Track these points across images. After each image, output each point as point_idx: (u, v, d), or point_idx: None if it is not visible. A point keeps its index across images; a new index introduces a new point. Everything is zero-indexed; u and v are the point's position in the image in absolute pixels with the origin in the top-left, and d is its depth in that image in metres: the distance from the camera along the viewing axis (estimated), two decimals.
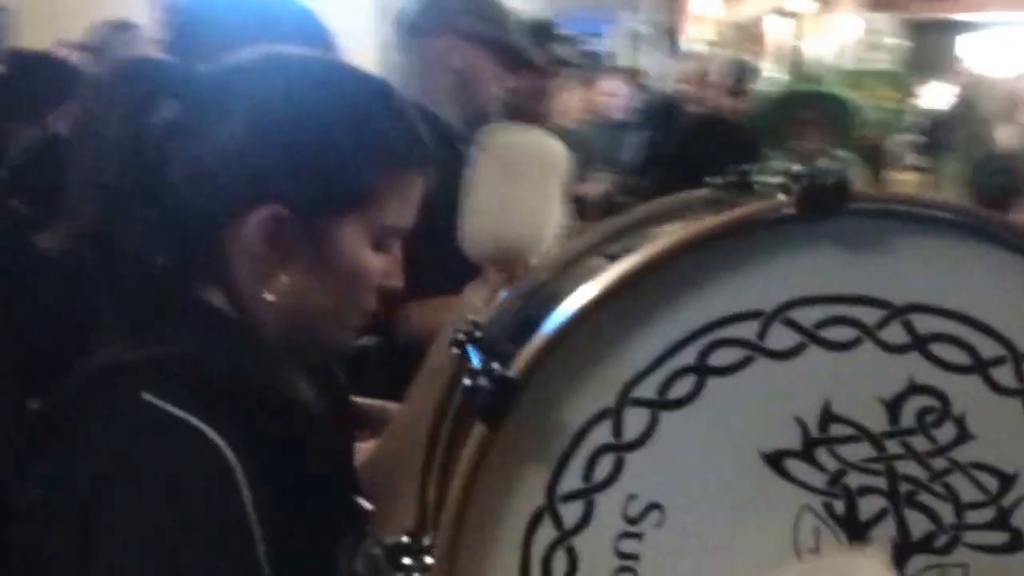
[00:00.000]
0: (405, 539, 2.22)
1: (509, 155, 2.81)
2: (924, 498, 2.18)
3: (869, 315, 2.14)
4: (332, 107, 2.14)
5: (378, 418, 3.24)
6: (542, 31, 5.88)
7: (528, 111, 5.81)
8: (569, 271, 2.61)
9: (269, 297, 2.10)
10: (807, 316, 2.13)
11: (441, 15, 4.17)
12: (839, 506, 2.17)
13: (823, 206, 2.10)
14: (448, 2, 4.18)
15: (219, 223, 2.09)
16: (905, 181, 11.31)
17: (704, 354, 2.12)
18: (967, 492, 2.18)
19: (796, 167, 2.16)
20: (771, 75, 14.30)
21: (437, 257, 3.82)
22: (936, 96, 12.33)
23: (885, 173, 10.40)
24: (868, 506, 2.17)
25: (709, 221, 2.14)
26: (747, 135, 9.13)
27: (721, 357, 2.12)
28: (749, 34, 17.30)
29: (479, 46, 4.12)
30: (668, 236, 2.15)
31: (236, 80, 2.12)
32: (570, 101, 10.85)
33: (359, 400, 3.37)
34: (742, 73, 9.77)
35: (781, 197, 2.15)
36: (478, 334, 2.49)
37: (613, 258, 2.33)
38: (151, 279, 2.08)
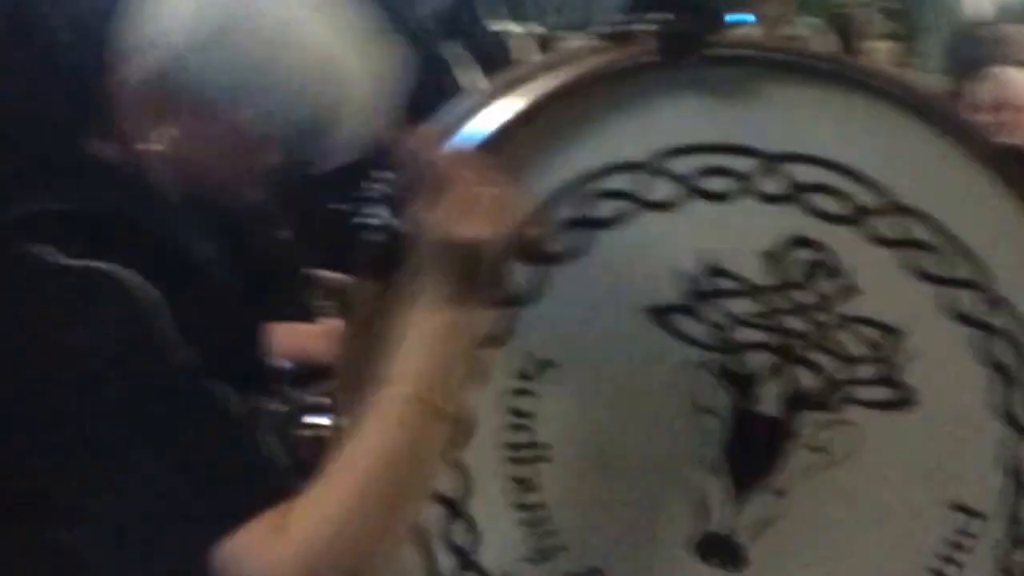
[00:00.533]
0: (316, 399, 2.23)
1: None
2: (810, 353, 2.21)
3: (745, 164, 2.16)
4: None
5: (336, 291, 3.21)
6: None
7: None
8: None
9: (156, 147, 2.09)
10: (684, 165, 2.15)
11: None
12: (728, 361, 2.20)
13: (680, 51, 2.12)
14: None
15: (102, 74, 2.09)
16: (879, 49, 11.20)
17: (587, 206, 2.13)
18: (853, 347, 2.21)
19: (668, 16, 2.16)
20: None
21: None
22: None
23: (858, 41, 10.32)
24: (754, 361, 2.20)
25: (570, 71, 2.16)
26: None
27: (604, 209, 2.14)
28: None
29: None
30: (533, 89, 2.16)
31: None
32: None
33: (324, 273, 3.35)
34: None
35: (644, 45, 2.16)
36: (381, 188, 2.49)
37: None
38: (42, 132, 2.11)
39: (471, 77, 4.30)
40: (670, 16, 2.16)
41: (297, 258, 3.24)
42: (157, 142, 2.09)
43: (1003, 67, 6.32)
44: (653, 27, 2.17)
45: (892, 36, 11.64)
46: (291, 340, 2.60)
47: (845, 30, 9.90)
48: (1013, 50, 7.86)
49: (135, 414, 1.90)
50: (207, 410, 1.94)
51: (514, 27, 5.59)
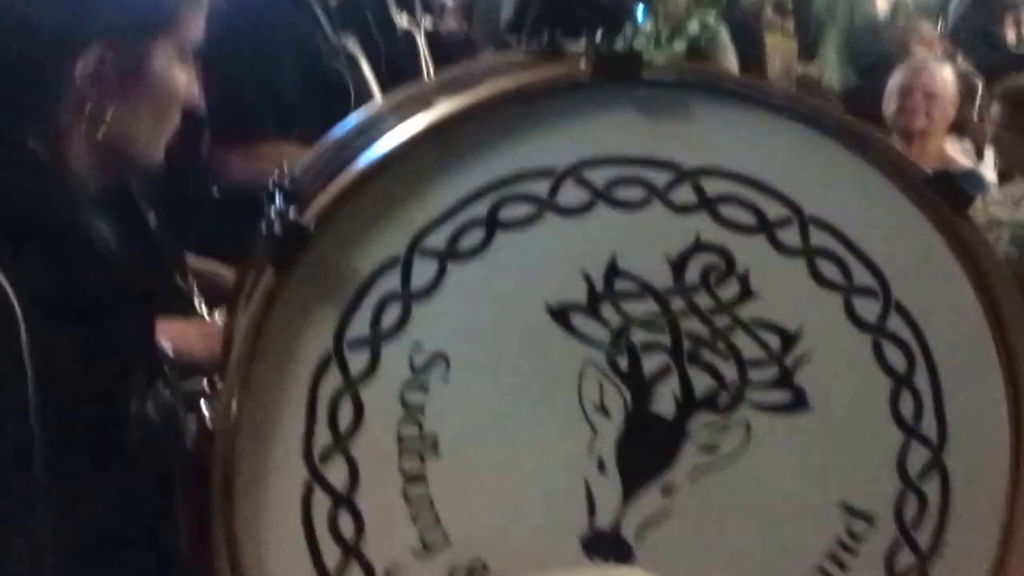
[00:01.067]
0: (204, 384, 2.24)
1: None
2: (707, 355, 2.21)
3: (659, 177, 2.16)
4: None
5: (207, 276, 3.23)
6: None
7: None
8: (388, 120, 2.59)
9: (100, 134, 2.11)
10: (599, 175, 2.15)
11: None
12: (623, 362, 2.19)
13: (615, 75, 2.13)
14: None
15: (46, 73, 2.11)
16: (777, 45, 11.26)
17: (495, 208, 2.13)
18: (750, 350, 2.22)
19: (597, 39, 2.26)
20: None
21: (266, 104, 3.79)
22: None
23: (760, 37, 10.37)
24: (652, 362, 2.20)
25: (507, 82, 2.17)
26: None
27: (512, 212, 2.14)
28: None
29: None
30: (468, 94, 2.16)
31: None
32: None
33: (195, 260, 3.35)
34: None
35: (580, 65, 2.17)
36: (286, 181, 2.51)
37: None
38: None
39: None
40: (600, 37, 2.27)
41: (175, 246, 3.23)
42: (99, 126, 2.10)
43: (915, 55, 6.40)
44: (584, 48, 2.18)
45: (791, 32, 11.68)
46: (173, 335, 2.58)
47: (750, 26, 9.88)
48: (917, 44, 7.90)
49: None
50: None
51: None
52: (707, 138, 2.18)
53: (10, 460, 1.93)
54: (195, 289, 3.05)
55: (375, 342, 2.14)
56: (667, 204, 2.16)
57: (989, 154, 6.61)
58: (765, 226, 2.18)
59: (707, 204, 2.17)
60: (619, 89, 2.14)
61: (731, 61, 8.31)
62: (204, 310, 3.08)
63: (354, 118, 2.76)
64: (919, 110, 6.06)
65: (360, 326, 2.13)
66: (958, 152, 6.28)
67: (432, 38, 5.72)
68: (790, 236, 2.19)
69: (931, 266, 2.23)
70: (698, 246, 2.18)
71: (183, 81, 2.21)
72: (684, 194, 2.17)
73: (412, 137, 2.10)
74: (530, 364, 2.18)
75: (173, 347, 2.36)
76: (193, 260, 3.25)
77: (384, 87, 4.40)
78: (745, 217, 2.18)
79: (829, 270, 2.21)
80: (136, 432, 2.07)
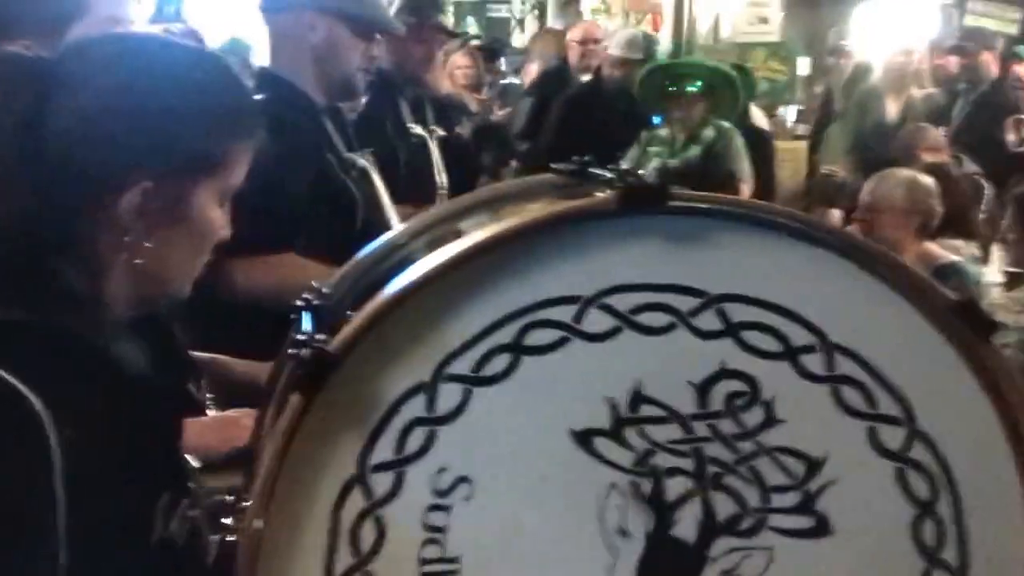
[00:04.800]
0: (228, 499, 2.21)
1: None
2: (730, 480, 2.16)
3: (684, 303, 2.13)
4: (183, 87, 2.20)
5: (216, 371, 3.23)
6: (428, 3, 5.95)
7: (416, 77, 5.85)
8: (418, 240, 2.63)
9: (138, 262, 2.14)
10: (624, 302, 2.12)
11: None
12: (646, 486, 2.15)
13: (641, 204, 2.11)
14: None
15: (90, 205, 2.14)
16: (788, 149, 11.35)
17: (521, 334, 2.10)
18: (773, 476, 2.17)
19: (626, 166, 2.27)
20: (660, 44, 14.32)
21: (273, 216, 3.80)
22: (828, 68, 12.36)
23: (771, 142, 10.44)
24: (675, 487, 2.16)
25: (536, 212, 2.17)
26: (629, 105, 9.15)
27: (537, 337, 2.11)
28: (638, 3, 17.28)
29: (336, 20, 4.11)
30: (495, 225, 2.16)
31: (87, 70, 2.16)
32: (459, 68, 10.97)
33: (196, 354, 3.35)
34: (631, 42, 9.69)
35: (606, 193, 2.15)
36: (316, 300, 2.49)
37: (459, 234, 2.33)
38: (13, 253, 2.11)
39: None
40: (629, 168, 2.15)
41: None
42: (137, 257, 2.14)
43: (889, 170, 6.38)
44: (612, 176, 2.17)
45: (803, 137, 11.76)
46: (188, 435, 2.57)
47: (761, 133, 9.97)
48: (924, 149, 7.93)
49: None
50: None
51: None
52: (731, 264, 2.15)
53: None
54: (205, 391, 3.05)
55: (399, 466, 2.10)
56: (692, 330, 2.13)
57: (995, 257, 6.59)
58: (790, 353, 2.14)
59: (732, 330, 2.14)
60: (645, 218, 2.12)
61: (745, 167, 8.30)
62: (213, 408, 3.08)
63: (385, 238, 2.74)
64: (859, 223, 6.05)
65: (385, 450, 2.10)
66: (950, 250, 6.23)
67: (444, 143, 5.84)
68: (815, 363, 2.15)
69: (955, 394, 2.19)
70: (723, 372, 2.14)
71: (220, 221, 2.23)
72: (709, 320, 2.13)
73: (440, 267, 2.08)
74: (553, 488, 2.14)
75: (190, 445, 2.35)
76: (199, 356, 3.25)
77: (402, 190, 4.45)
78: (770, 343, 2.14)
79: (853, 398, 2.17)
80: (160, 553, 2.07)
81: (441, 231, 2.45)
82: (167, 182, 2.14)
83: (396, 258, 2.53)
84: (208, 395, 3.02)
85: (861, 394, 2.17)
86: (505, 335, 2.10)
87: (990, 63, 10.53)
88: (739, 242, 2.15)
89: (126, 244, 2.13)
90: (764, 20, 12.51)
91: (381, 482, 2.11)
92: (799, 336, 2.15)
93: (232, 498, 2.19)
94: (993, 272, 6.64)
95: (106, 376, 2.05)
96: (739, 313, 2.14)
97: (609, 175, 2.35)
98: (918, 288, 2.19)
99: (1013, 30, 13.18)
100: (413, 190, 5.01)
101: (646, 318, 2.13)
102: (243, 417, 3.08)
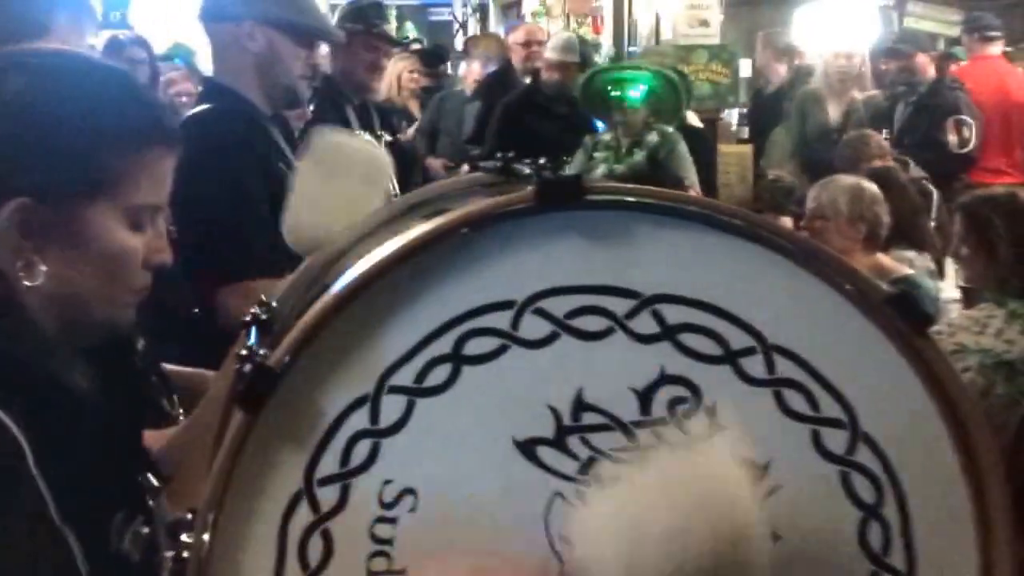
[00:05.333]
0: (187, 516, 2.18)
1: (333, 156, 2.81)
2: None
3: (619, 305, 2.11)
4: (65, 100, 2.16)
5: (195, 384, 3.23)
6: (373, 12, 5.97)
7: (362, 84, 5.86)
8: (359, 249, 2.58)
9: (28, 283, 2.10)
10: (558, 306, 2.10)
11: (238, 1, 4.16)
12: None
13: (558, 199, 2.09)
14: None
15: None
16: (734, 153, 11.36)
17: (459, 343, 2.09)
18: None
19: (542, 161, 2.22)
20: (602, 47, 14.35)
21: (254, 241, 3.80)
22: (770, 69, 12.37)
23: (715, 146, 10.45)
24: None
25: (452, 214, 2.12)
26: (570, 108, 9.17)
27: (476, 346, 2.09)
28: (579, 6, 17.30)
29: (275, 29, 4.11)
30: (415, 228, 2.12)
31: None
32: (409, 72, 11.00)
33: (175, 368, 3.34)
34: (566, 45, 9.67)
35: (524, 190, 2.12)
36: (264, 315, 2.49)
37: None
38: None
39: None
40: (544, 160, 2.19)
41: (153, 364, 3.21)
42: (29, 279, 2.11)
43: (833, 177, 6.35)
44: (529, 171, 2.14)
45: (746, 140, 11.79)
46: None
47: (704, 136, 10.00)
48: (867, 152, 7.95)
49: None
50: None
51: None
52: (660, 262, 2.12)
53: None
54: (178, 407, 3.04)
55: (345, 479, 2.09)
56: (629, 333, 2.11)
57: (950, 271, 6.51)
58: (729, 356, 2.13)
59: (669, 333, 2.12)
60: (564, 213, 2.10)
61: (690, 171, 8.32)
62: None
63: (331, 246, 2.73)
64: (805, 232, 6.00)
65: (330, 464, 2.09)
66: (903, 262, 6.21)
67: (392, 148, 5.86)
68: (755, 366, 2.14)
69: (896, 393, 2.17)
70: (664, 378, 2.13)
71: (134, 246, 2.18)
72: (645, 323, 2.12)
73: (366, 274, 2.07)
74: (498, 497, 2.13)
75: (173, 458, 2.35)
76: (173, 369, 3.25)
77: None
78: (708, 346, 2.13)
79: (796, 401, 2.15)
80: (116, 569, 2.07)
81: (379, 236, 2.44)
82: (50, 200, 2.11)
83: (340, 267, 2.50)
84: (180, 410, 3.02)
85: (803, 397, 2.16)
86: (444, 344, 2.09)
87: (926, 65, 10.57)
88: (665, 237, 2.12)
89: (21, 265, 2.10)
90: (705, 23, 12.50)
91: (327, 496, 2.10)
92: (737, 338, 2.13)
93: (190, 516, 2.18)
94: (950, 287, 6.57)
95: (55, 399, 2.04)
96: (675, 315, 2.12)
97: (529, 171, 2.33)
98: (853, 282, 2.16)
99: (953, 32, 13.26)
100: None
101: (582, 322, 2.11)
102: None
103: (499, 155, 2.61)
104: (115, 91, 2.24)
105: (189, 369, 3.34)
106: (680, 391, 2.14)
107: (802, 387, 2.16)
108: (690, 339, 2.13)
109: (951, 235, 5.60)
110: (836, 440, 2.18)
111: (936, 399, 2.17)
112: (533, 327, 2.10)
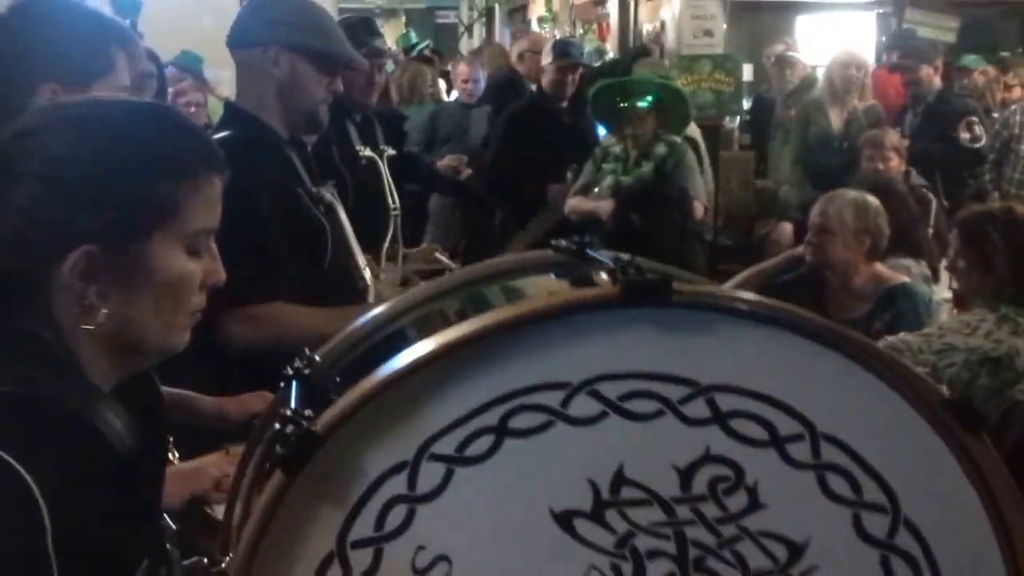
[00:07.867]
0: (204, 562, 2.18)
1: None
2: (712, 564, 2.10)
3: (675, 392, 2.08)
4: (117, 145, 2.13)
5: (181, 407, 3.19)
6: (362, 28, 5.97)
7: (360, 103, 5.84)
8: (414, 314, 2.62)
9: (89, 327, 2.08)
10: (614, 389, 2.07)
11: (264, 27, 4.11)
12: (627, 568, 2.09)
13: (644, 298, 2.07)
14: (271, 14, 4.12)
15: (35, 274, 2.09)
16: (736, 160, 11.35)
17: (506, 417, 2.05)
18: (756, 559, 2.11)
19: (625, 257, 2.22)
20: (609, 54, 14.31)
21: (261, 267, 3.75)
22: (771, 77, 12.35)
23: (718, 154, 10.42)
24: (656, 570, 2.10)
25: (534, 303, 2.12)
26: (576, 118, 9.12)
27: (522, 421, 2.06)
28: (585, 12, 17.27)
29: (299, 55, 4.07)
30: (493, 313, 2.11)
31: (23, 144, 2.12)
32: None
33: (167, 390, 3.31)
34: (571, 52, 9.59)
35: (606, 282, 2.17)
36: (307, 370, 2.45)
37: (460, 313, 2.43)
38: None
39: None
40: (630, 259, 2.20)
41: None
42: (91, 323, 2.09)
43: (837, 191, 6.34)
44: (613, 266, 2.21)
45: (749, 148, 11.77)
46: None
47: (709, 144, 9.96)
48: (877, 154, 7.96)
49: None
50: None
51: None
52: (725, 356, 2.10)
53: None
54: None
55: (378, 543, 2.05)
56: (679, 416, 2.08)
57: (944, 275, 6.55)
58: (776, 441, 2.09)
59: (719, 418, 2.08)
60: (646, 310, 2.08)
61: (697, 182, 8.27)
62: (175, 456, 3.03)
63: (374, 312, 2.72)
64: (811, 245, 6.05)
65: (364, 527, 2.04)
66: (900, 270, 6.21)
67: (394, 161, 5.85)
68: (800, 451, 2.10)
69: (942, 484, 2.13)
70: (707, 457, 2.09)
71: (193, 271, 2.17)
72: (697, 408, 2.08)
73: (430, 354, 2.04)
74: (533, 568, 2.09)
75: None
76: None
77: (355, 214, 4.41)
78: (757, 431, 2.09)
79: (839, 485, 2.11)
80: None
81: (428, 309, 2.40)
82: (114, 242, 2.08)
83: (384, 334, 2.50)
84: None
85: (846, 481, 2.11)
86: (491, 418, 2.05)
87: (932, 76, 10.52)
88: (736, 335, 2.10)
89: (82, 310, 2.08)
90: (709, 33, 12.47)
91: (360, 559, 2.05)
92: (786, 425, 2.10)
93: (207, 562, 2.15)
94: (943, 290, 6.63)
95: (88, 447, 1.99)
96: (728, 402, 2.09)
97: (610, 264, 2.30)
98: (909, 381, 2.14)
99: (950, 38, 13.24)
100: (365, 214, 4.98)
101: (634, 405, 2.07)
102: (207, 466, 3.04)
103: (575, 239, 2.62)
104: (161, 128, 2.20)
105: (171, 390, 3.29)
106: (723, 470, 2.10)
107: (846, 472, 2.12)
108: (739, 424, 2.10)
109: (948, 239, 5.64)
110: (877, 524, 2.14)
111: (982, 498, 2.15)
112: (583, 406, 2.07)
